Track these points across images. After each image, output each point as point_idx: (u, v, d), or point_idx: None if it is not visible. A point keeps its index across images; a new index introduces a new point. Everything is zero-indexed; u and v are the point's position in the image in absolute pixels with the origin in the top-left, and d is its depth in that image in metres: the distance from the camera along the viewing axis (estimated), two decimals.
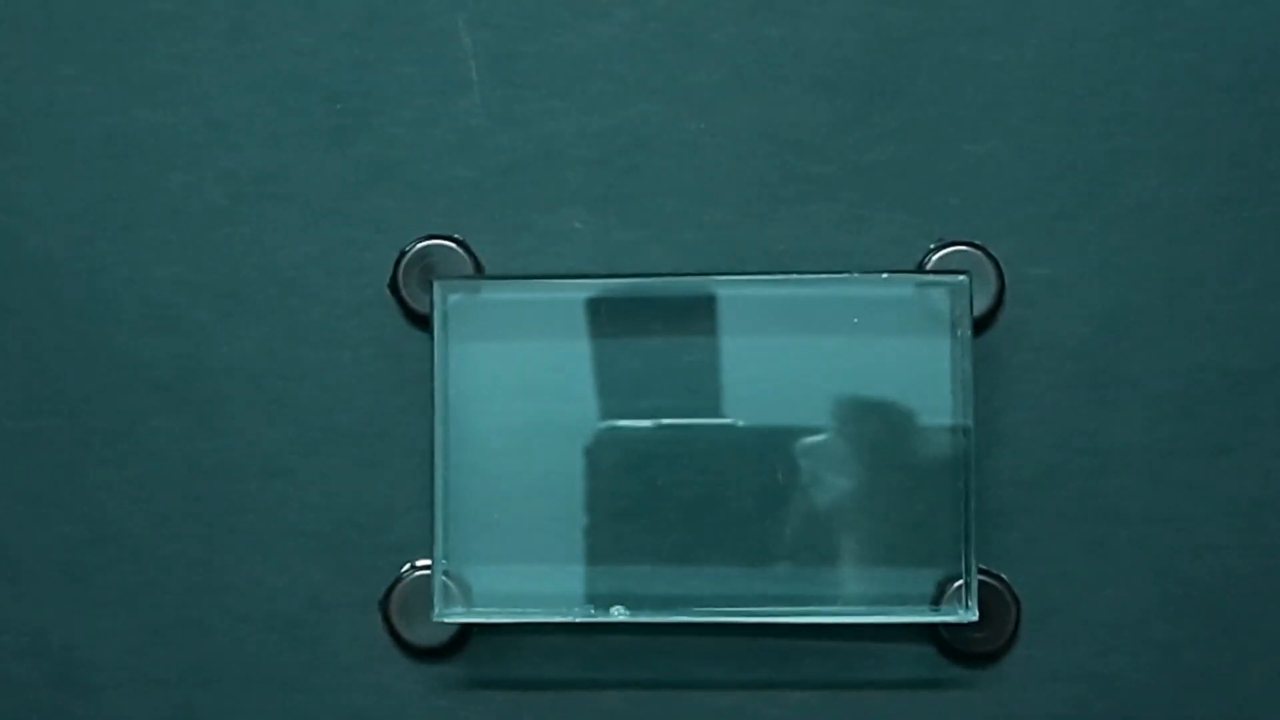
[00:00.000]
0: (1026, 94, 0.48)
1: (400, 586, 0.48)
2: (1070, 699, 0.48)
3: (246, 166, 0.49)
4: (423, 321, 0.48)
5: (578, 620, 0.47)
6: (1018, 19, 0.48)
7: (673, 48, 0.49)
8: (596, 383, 0.47)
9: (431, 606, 0.47)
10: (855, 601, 0.46)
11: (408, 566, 0.48)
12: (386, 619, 0.48)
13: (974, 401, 0.46)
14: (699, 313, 0.47)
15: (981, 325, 0.47)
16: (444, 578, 0.47)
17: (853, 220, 0.48)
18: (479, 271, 0.48)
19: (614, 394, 0.47)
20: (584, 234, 0.48)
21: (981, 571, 0.47)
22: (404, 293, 0.48)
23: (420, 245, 0.48)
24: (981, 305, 0.47)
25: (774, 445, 0.47)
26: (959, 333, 0.46)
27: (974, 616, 0.46)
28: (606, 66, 0.49)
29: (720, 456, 0.47)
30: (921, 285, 0.46)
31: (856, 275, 0.47)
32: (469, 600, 0.47)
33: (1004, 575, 0.48)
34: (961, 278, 0.46)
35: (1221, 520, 0.48)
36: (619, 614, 0.46)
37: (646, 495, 0.47)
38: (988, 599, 0.47)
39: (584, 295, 0.47)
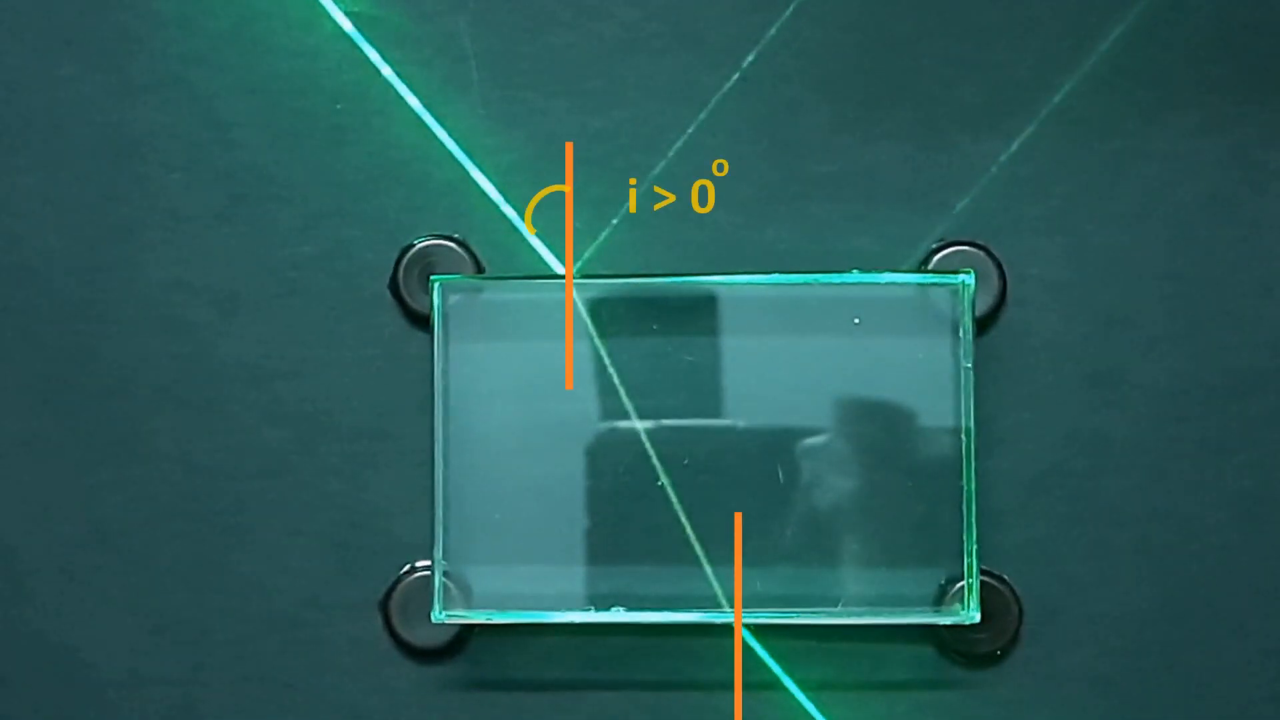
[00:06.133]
0: (1026, 94, 0.48)
1: (400, 587, 0.48)
2: (1071, 699, 0.48)
3: (246, 166, 0.49)
4: (423, 321, 0.48)
5: (578, 620, 0.47)
6: (1018, 19, 0.48)
7: (673, 48, 0.49)
8: (596, 383, 0.47)
9: (431, 607, 0.47)
10: (856, 602, 0.46)
11: (408, 567, 0.48)
12: (386, 619, 0.48)
13: (975, 402, 0.46)
14: (699, 313, 0.47)
15: (983, 325, 0.47)
16: (444, 578, 0.47)
17: (853, 220, 0.48)
18: (479, 271, 0.48)
19: (614, 394, 0.47)
20: (584, 234, 0.48)
21: (983, 572, 0.47)
22: (404, 293, 0.48)
23: (420, 245, 0.48)
24: (983, 305, 0.47)
25: (774, 445, 0.47)
26: (960, 333, 0.46)
27: (976, 617, 0.46)
28: (606, 66, 0.49)
29: (720, 456, 0.47)
30: (923, 285, 0.46)
31: (857, 275, 0.47)
32: (469, 601, 0.47)
33: (1006, 576, 0.48)
34: (963, 277, 0.46)
35: (1221, 520, 0.48)
36: (619, 614, 0.46)
37: (646, 495, 0.47)
38: (989, 600, 0.47)
39: (584, 295, 0.47)
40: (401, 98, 0.49)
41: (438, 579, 0.46)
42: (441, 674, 0.48)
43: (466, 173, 0.49)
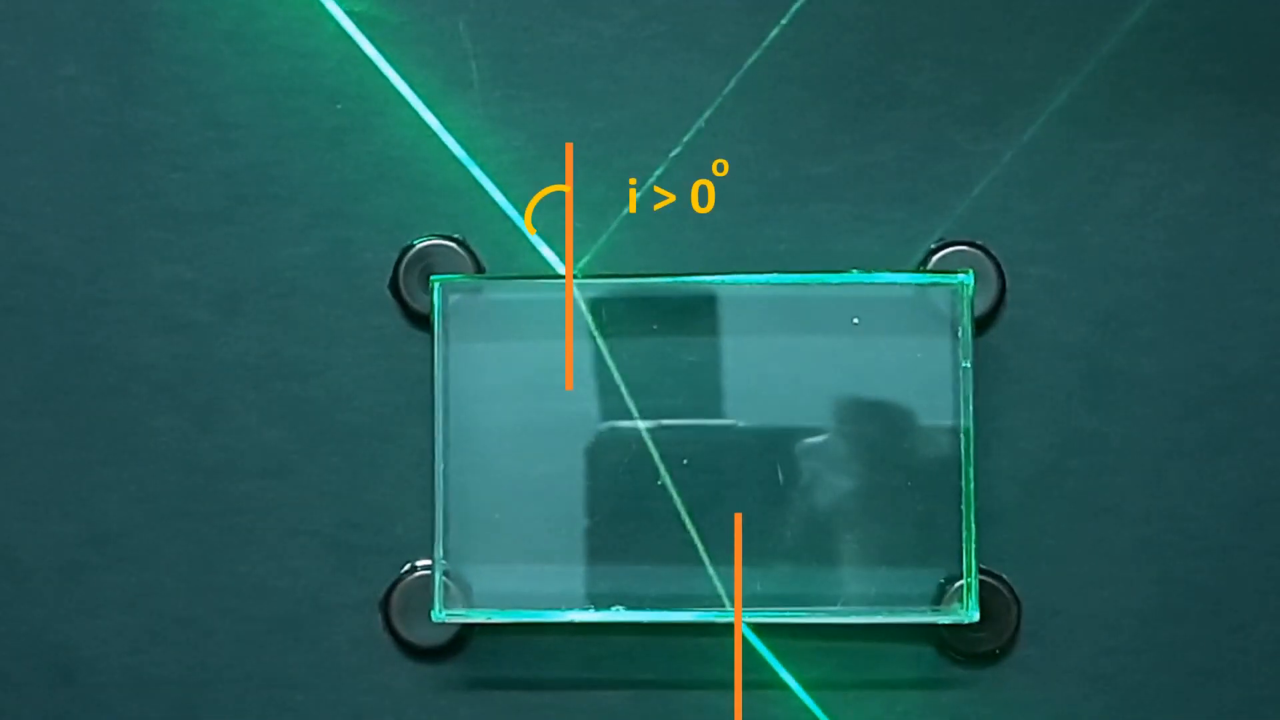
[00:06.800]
0: (1026, 94, 0.48)
1: (400, 586, 0.48)
2: (1070, 699, 0.48)
3: (247, 166, 0.49)
4: (423, 321, 0.48)
5: (578, 619, 0.47)
6: (1018, 19, 0.48)
7: (673, 48, 0.49)
8: (596, 383, 0.47)
9: (432, 606, 0.47)
10: (856, 601, 0.46)
11: (408, 566, 0.48)
12: (386, 619, 0.48)
13: (974, 401, 0.46)
14: (699, 313, 0.47)
15: (982, 325, 0.47)
16: (444, 577, 0.47)
17: (853, 220, 0.48)
18: (479, 271, 0.48)
19: (614, 394, 0.47)
20: (584, 234, 0.48)
21: (982, 572, 0.47)
22: (404, 293, 0.48)
23: (420, 245, 0.48)
24: (982, 305, 0.47)
25: (774, 445, 0.47)
26: (959, 332, 0.46)
27: (975, 617, 0.46)
28: (606, 66, 0.49)
29: (720, 456, 0.47)
30: (922, 285, 0.46)
31: (856, 275, 0.47)
32: (469, 600, 0.47)
33: (1005, 575, 0.48)
34: (963, 277, 0.46)
35: (1221, 520, 0.48)
36: (619, 613, 0.46)
37: (646, 495, 0.47)
38: (988, 599, 0.47)
39: (584, 295, 0.47)
40: (402, 98, 0.49)
41: (438, 578, 0.47)
42: (441, 674, 0.49)
43: (467, 173, 0.49)
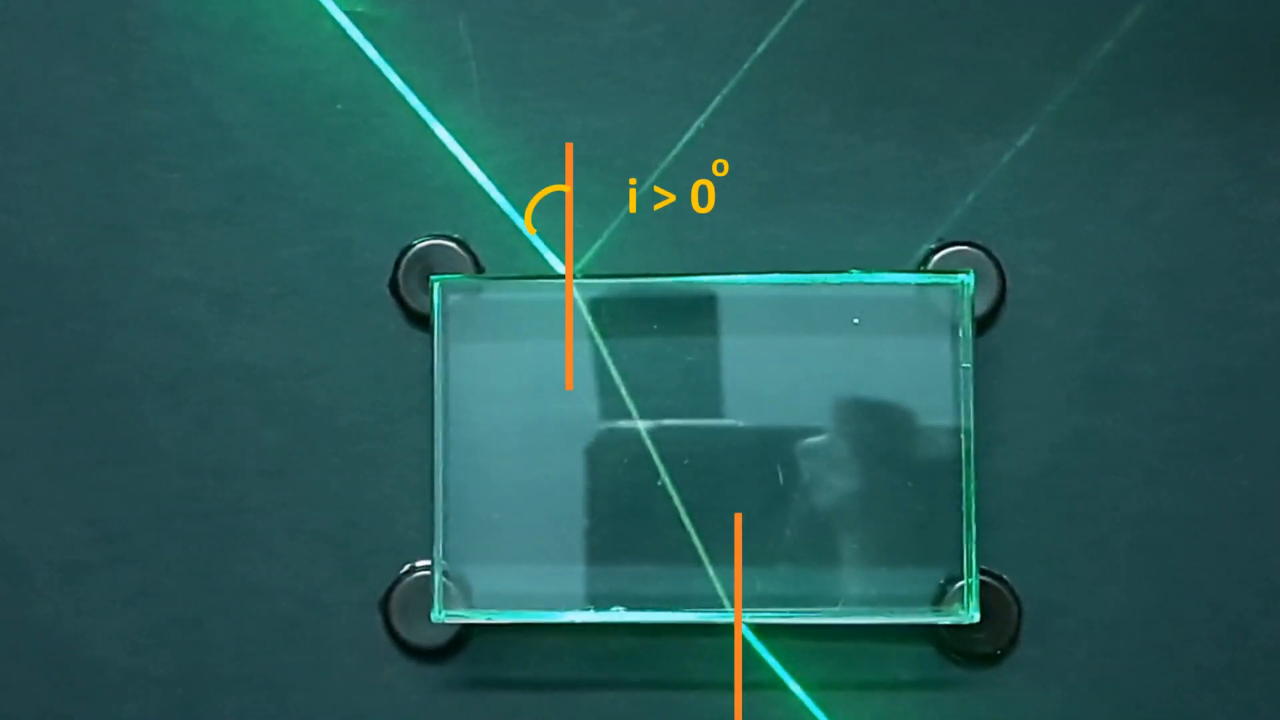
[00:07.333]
0: (1026, 94, 0.48)
1: (400, 586, 0.48)
2: (1070, 699, 0.48)
3: (246, 166, 0.49)
4: (423, 321, 0.48)
5: (578, 620, 0.47)
6: (1018, 19, 0.48)
7: (673, 48, 0.49)
8: (596, 383, 0.47)
9: (431, 606, 0.47)
10: (856, 602, 0.46)
11: (408, 567, 0.48)
12: (386, 619, 0.48)
13: (974, 401, 0.46)
14: (699, 313, 0.47)
15: (982, 325, 0.47)
16: (444, 578, 0.47)
17: (853, 220, 0.48)
18: (479, 271, 0.48)
19: (614, 394, 0.47)
20: (584, 234, 0.48)
21: (982, 572, 0.47)
22: (404, 293, 0.48)
23: (420, 245, 0.48)
24: (982, 305, 0.47)
25: (774, 445, 0.47)
26: (959, 333, 0.46)
27: (975, 617, 0.46)
28: (606, 66, 0.49)
29: (720, 456, 0.47)
30: (922, 285, 0.46)
31: (857, 275, 0.47)
32: (469, 600, 0.47)
33: (1005, 576, 0.48)
34: (963, 277, 0.46)
35: (1221, 520, 0.48)
36: (619, 614, 0.46)
37: (646, 495, 0.47)
38: (989, 600, 0.47)
39: (584, 295, 0.47)
40: (401, 98, 0.49)
41: (437, 579, 0.47)
42: (441, 674, 0.49)
43: (466, 173, 0.49)
